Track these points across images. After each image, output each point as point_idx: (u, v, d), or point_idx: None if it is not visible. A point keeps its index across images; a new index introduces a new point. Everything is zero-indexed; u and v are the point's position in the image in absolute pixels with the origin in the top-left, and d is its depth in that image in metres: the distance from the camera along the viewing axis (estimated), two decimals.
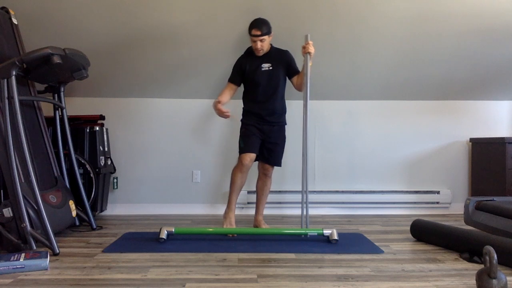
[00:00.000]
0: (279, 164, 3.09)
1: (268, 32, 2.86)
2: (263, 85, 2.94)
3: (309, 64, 2.86)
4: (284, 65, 2.99)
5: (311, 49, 2.81)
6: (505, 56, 3.41)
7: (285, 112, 3.09)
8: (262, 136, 2.99)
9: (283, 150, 3.10)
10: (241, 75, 2.98)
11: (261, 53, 2.92)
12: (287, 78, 3.05)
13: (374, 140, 3.88)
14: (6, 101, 2.44)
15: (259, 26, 2.82)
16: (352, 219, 3.54)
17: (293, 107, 3.71)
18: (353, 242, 2.68)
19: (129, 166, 3.80)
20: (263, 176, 3.12)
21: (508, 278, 2.00)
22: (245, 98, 3.07)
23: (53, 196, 2.70)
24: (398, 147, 3.89)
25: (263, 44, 2.87)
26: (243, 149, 2.96)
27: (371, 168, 3.88)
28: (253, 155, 2.95)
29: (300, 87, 3.01)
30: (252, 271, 2.10)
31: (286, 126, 3.14)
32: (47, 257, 2.14)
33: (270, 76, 2.95)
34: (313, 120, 3.83)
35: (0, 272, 2.04)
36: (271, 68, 2.95)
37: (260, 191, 3.15)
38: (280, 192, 3.77)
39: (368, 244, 2.64)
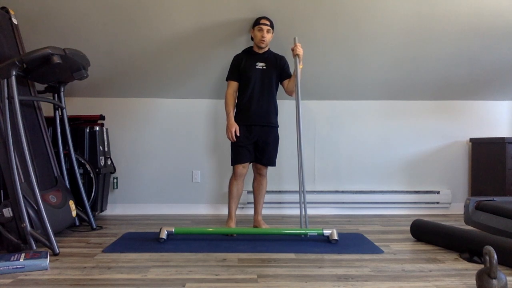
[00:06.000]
0: (273, 164, 3.10)
1: (273, 27, 2.99)
2: (255, 81, 2.98)
3: (299, 66, 2.91)
4: (278, 69, 3.06)
5: (300, 50, 2.92)
6: (505, 56, 3.40)
7: (276, 114, 3.10)
8: (253, 140, 3.00)
9: (276, 150, 3.11)
10: (238, 70, 3.03)
11: (264, 44, 2.98)
12: (279, 82, 3.11)
13: (374, 140, 3.88)
14: (6, 101, 2.44)
15: (267, 18, 2.97)
16: (352, 219, 3.53)
17: (291, 108, 3.71)
18: (353, 242, 2.68)
19: (129, 166, 3.80)
20: (258, 176, 3.13)
21: (508, 278, 2.00)
22: (237, 98, 3.09)
23: (53, 196, 2.70)
24: (398, 147, 3.89)
25: (268, 36, 2.96)
26: (233, 160, 3.02)
27: (371, 168, 3.88)
28: (245, 164, 3.00)
29: (291, 91, 3.07)
30: (252, 271, 2.10)
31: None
32: (47, 257, 2.14)
33: (262, 74, 3.00)
34: (313, 120, 3.84)
35: (0, 272, 2.04)
36: (265, 67, 3.02)
37: (256, 191, 3.15)
38: (279, 192, 3.77)
39: (368, 244, 2.64)
